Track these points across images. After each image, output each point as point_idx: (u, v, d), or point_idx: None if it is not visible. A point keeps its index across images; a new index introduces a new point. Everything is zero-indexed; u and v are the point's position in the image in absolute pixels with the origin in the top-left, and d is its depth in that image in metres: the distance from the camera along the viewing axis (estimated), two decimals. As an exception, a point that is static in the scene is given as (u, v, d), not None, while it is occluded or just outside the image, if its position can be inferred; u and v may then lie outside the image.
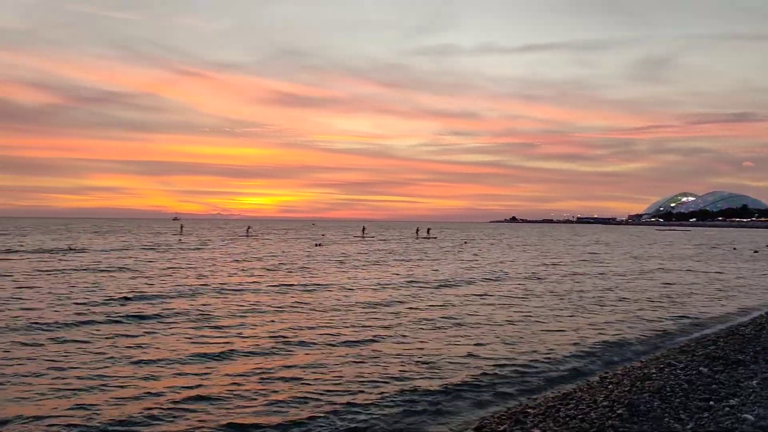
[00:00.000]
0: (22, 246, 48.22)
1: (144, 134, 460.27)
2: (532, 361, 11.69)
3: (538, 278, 27.84)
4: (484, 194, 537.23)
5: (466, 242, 73.45)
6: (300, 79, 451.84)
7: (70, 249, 44.40)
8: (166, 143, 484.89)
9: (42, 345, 12.12)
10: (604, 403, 8.90)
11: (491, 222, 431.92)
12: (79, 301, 17.98)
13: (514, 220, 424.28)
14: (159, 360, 11.09)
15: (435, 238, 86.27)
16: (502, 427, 8.09)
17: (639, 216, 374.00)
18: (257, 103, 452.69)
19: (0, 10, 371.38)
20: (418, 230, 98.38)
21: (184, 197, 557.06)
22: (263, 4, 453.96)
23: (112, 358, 11.18)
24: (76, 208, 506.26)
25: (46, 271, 27.34)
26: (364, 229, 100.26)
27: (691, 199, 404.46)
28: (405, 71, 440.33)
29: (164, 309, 16.68)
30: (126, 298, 18.57)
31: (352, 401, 8.93)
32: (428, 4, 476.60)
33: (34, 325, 14.00)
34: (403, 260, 38.81)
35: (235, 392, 9.26)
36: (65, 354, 11.38)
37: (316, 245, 62.38)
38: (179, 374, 10.20)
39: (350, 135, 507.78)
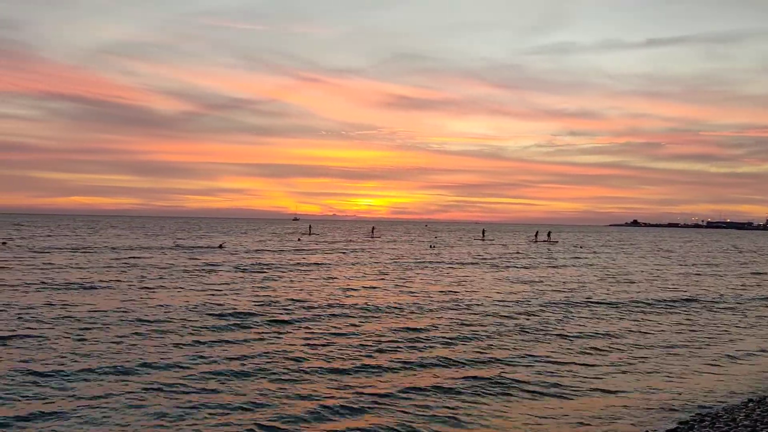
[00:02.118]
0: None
1: (267, 138, 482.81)
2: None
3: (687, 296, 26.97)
4: (603, 196, 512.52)
5: (580, 246, 71.55)
6: (414, 81, 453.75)
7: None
8: (287, 147, 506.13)
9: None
10: (745, 422, 8.68)
11: (611, 225, 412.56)
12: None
13: (635, 223, 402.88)
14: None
15: (556, 242, 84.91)
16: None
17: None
18: (372, 106, 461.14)
19: (141, 26, 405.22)
20: (537, 234, 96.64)
21: (302, 198, 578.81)
22: (377, 10, 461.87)
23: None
24: (206, 209, 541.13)
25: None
26: (483, 231, 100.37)
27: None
28: (520, 71, 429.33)
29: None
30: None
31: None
32: (544, 2, 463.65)
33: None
34: (553, 266, 38.63)
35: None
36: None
37: (430, 247, 63.94)
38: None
39: (463, 137, 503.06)
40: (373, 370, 11.98)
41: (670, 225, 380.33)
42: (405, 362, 12.64)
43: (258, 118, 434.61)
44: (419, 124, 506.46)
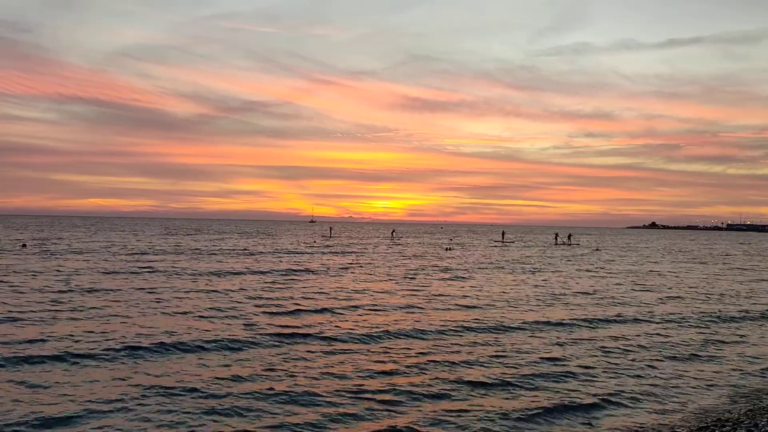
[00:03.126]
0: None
1: (282, 141, 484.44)
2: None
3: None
4: (620, 198, 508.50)
5: (597, 249, 70.34)
6: (429, 83, 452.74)
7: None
8: (302, 149, 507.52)
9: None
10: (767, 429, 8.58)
11: (628, 228, 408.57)
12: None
13: (654, 225, 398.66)
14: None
15: (578, 245, 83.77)
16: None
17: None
18: (387, 108, 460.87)
19: (157, 29, 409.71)
20: (557, 235, 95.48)
21: (318, 200, 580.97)
22: (392, 12, 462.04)
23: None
24: (222, 210, 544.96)
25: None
26: (503, 233, 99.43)
27: None
28: (535, 72, 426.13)
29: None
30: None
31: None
32: (559, 3, 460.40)
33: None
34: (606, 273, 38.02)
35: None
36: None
37: (446, 249, 63.34)
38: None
39: (479, 138, 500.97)
40: (412, 393, 10.60)
41: (689, 227, 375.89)
42: (453, 382, 11.38)
43: (273, 121, 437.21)
44: (434, 126, 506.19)
